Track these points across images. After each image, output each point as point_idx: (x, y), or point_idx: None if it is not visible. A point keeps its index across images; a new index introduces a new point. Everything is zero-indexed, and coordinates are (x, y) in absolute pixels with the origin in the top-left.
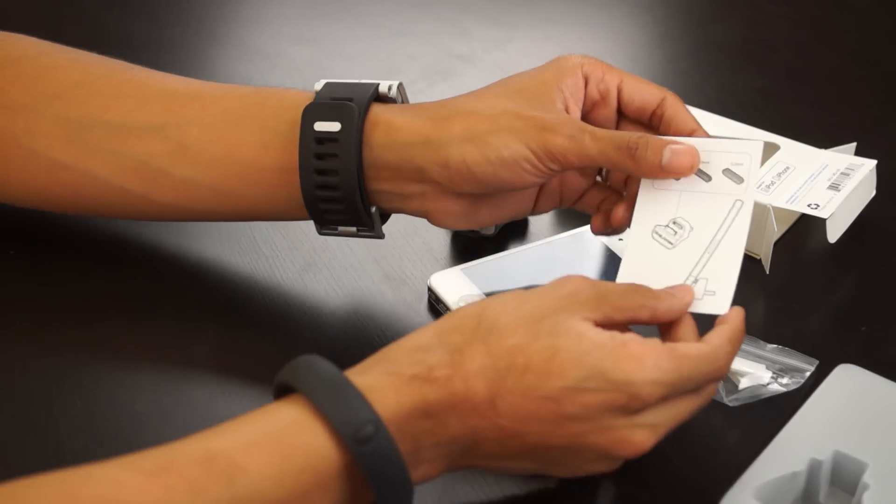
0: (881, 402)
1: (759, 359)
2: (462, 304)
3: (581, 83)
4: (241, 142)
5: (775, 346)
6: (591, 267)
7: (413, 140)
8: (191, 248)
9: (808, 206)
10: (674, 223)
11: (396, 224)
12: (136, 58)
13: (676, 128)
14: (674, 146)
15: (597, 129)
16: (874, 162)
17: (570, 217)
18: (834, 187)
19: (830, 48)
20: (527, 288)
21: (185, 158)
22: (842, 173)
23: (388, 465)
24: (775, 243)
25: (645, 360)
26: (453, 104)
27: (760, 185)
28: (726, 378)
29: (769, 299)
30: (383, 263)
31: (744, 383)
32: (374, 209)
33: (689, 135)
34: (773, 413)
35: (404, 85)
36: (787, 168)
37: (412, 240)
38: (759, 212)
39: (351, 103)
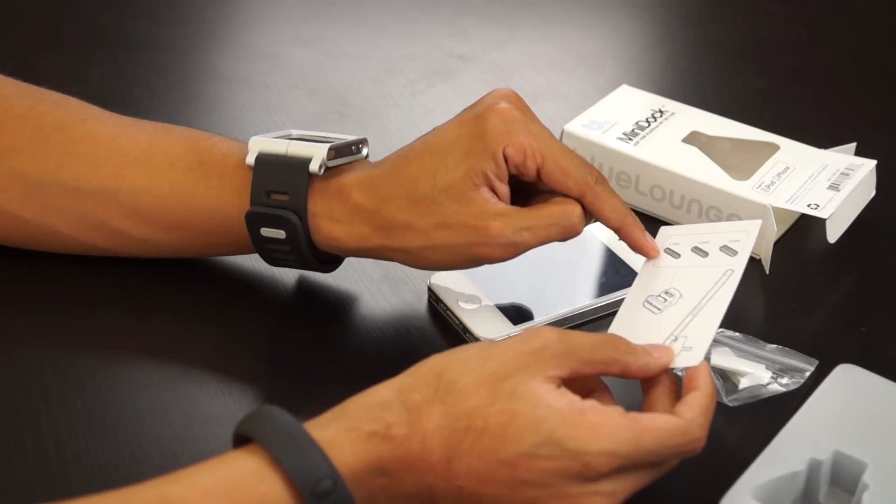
0: (881, 402)
1: (758, 359)
2: (461, 305)
3: (503, 164)
4: (192, 217)
5: (775, 346)
6: (590, 267)
7: (357, 245)
8: None
9: (808, 206)
10: (666, 293)
11: None
12: (136, 58)
13: (605, 223)
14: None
15: (532, 223)
16: (874, 162)
17: None
18: (834, 187)
19: (830, 48)
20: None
21: (142, 223)
22: (842, 173)
23: None
24: (775, 243)
25: (600, 430)
26: (387, 211)
27: (760, 185)
28: (726, 378)
29: (769, 299)
30: (383, 264)
31: (744, 383)
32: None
33: (618, 230)
34: (772, 413)
35: (402, 87)
36: (787, 168)
37: None
38: (760, 212)
39: (289, 215)
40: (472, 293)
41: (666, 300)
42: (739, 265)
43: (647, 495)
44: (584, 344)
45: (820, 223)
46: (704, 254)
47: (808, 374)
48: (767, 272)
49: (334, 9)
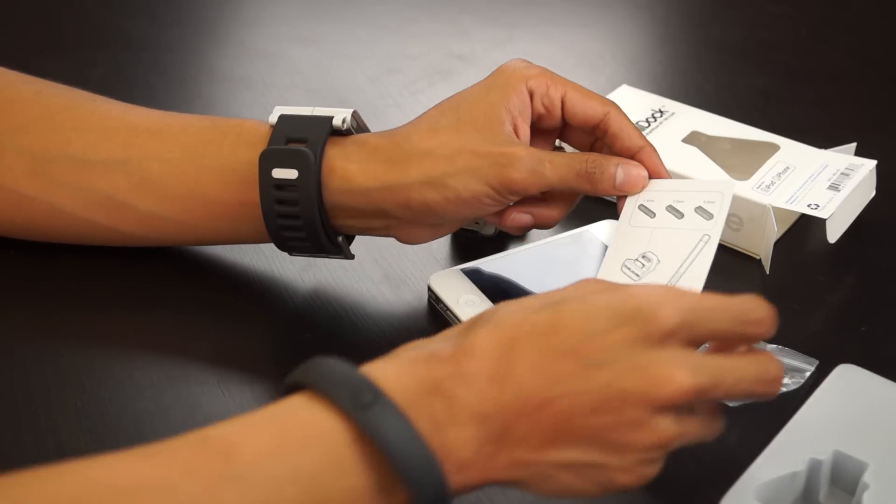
0: (881, 402)
1: None
2: (461, 305)
3: (527, 100)
4: (201, 179)
5: (776, 346)
6: (590, 267)
7: (371, 185)
8: (190, 250)
9: (808, 206)
10: (643, 256)
11: None
12: (136, 58)
13: (622, 145)
14: (625, 167)
15: (554, 157)
16: (874, 162)
17: (570, 217)
18: (834, 187)
19: (831, 48)
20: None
21: (148, 193)
22: (842, 173)
23: (396, 426)
24: (775, 243)
25: (653, 288)
26: (407, 143)
27: (760, 185)
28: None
29: (769, 299)
30: (383, 263)
31: None
32: (340, 238)
33: (637, 151)
34: (773, 413)
35: (402, 86)
36: (787, 168)
37: None
38: (760, 212)
39: (305, 149)
40: (471, 293)
41: (644, 265)
42: (716, 231)
43: (647, 495)
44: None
45: (820, 223)
46: (680, 214)
47: (808, 374)
48: (767, 272)
49: (334, 8)
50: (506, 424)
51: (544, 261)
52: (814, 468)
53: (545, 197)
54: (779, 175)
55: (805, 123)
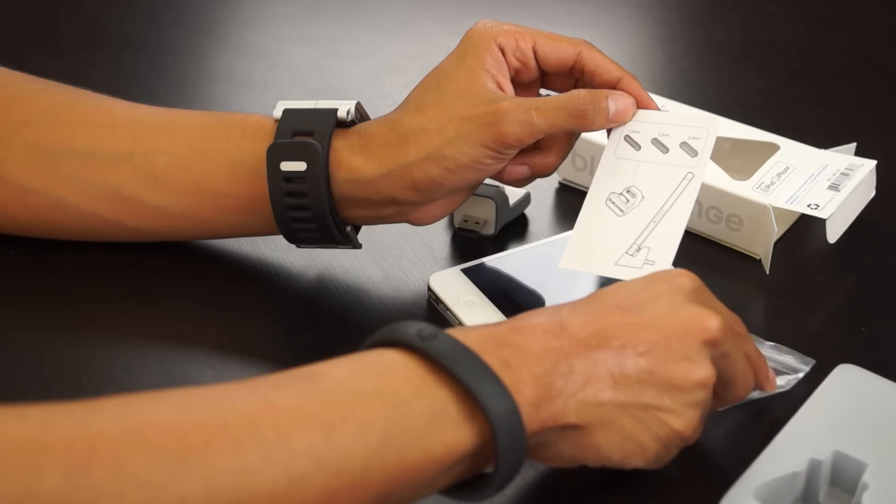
0: (881, 402)
1: None
2: (461, 305)
3: (500, 56)
4: (209, 174)
5: (772, 343)
6: None
7: (376, 174)
8: (190, 249)
9: (808, 206)
10: (627, 191)
11: (396, 224)
12: (136, 58)
13: (601, 80)
14: (614, 97)
15: (540, 104)
16: (874, 162)
17: (570, 217)
18: (834, 188)
19: (831, 48)
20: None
21: (155, 187)
22: (842, 174)
23: (462, 352)
24: (775, 243)
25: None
26: (400, 126)
27: (760, 185)
28: None
29: (769, 299)
30: (383, 263)
31: None
32: (349, 228)
33: (616, 82)
34: (772, 413)
35: (402, 86)
36: (787, 168)
37: (412, 240)
38: (760, 212)
39: (313, 141)
40: (471, 293)
41: (628, 200)
42: (700, 169)
43: (647, 495)
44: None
45: (820, 223)
46: (665, 149)
47: (802, 373)
48: (767, 272)
49: (334, 8)
50: (570, 367)
51: (544, 260)
52: (814, 468)
53: (540, 145)
54: (779, 175)
55: (805, 123)
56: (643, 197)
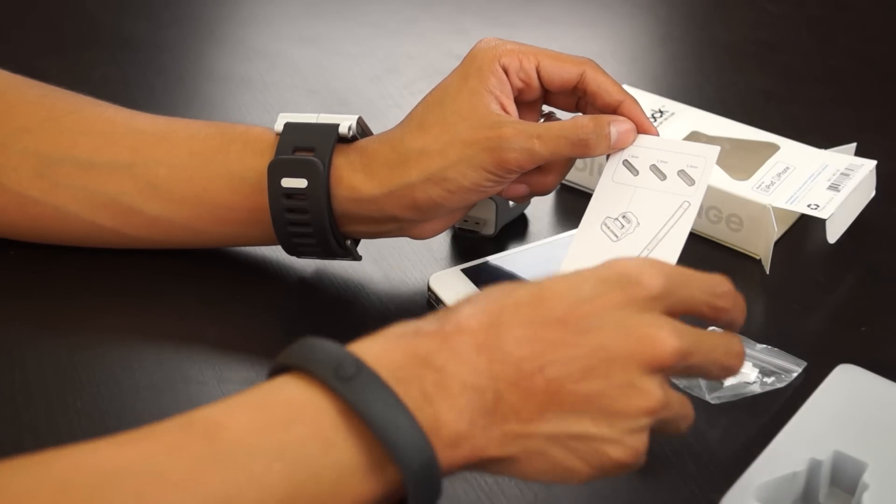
0: (881, 402)
1: (747, 358)
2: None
3: (504, 77)
4: (210, 185)
5: (765, 346)
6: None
7: (376, 193)
8: (190, 249)
9: (808, 206)
10: (623, 217)
11: None
12: (135, 57)
13: (602, 101)
14: (616, 125)
15: (543, 131)
16: (874, 162)
17: (570, 217)
18: (834, 188)
19: (831, 48)
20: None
21: (155, 197)
22: (842, 174)
23: (380, 397)
24: (775, 243)
25: (634, 259)
26: (401, 145)
27: (760, 185)
28: None
29: (769, 299)
30: (383, 263)
31: (728, 381)
32: (349, 242)
33: (617, 106)
34: (772, 413)
35: (402, 86)
36: (787, 168)
37: (411, 240)
38: (760, 212)
39: (314, 159)
40: (471, 292)
41: (623, 226)
42: (696, 198)
43: (646, 495)
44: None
45: (820, 223)
46: (663, 176)
47: (794, 374)
48: (767, 272)
49: (333, 8)
50: (497, 395)
51: (544, 261)
52: (814, 468)
53: (540, 165)
54: (779, 175)
55: (805, 123)
56: (638, 223)
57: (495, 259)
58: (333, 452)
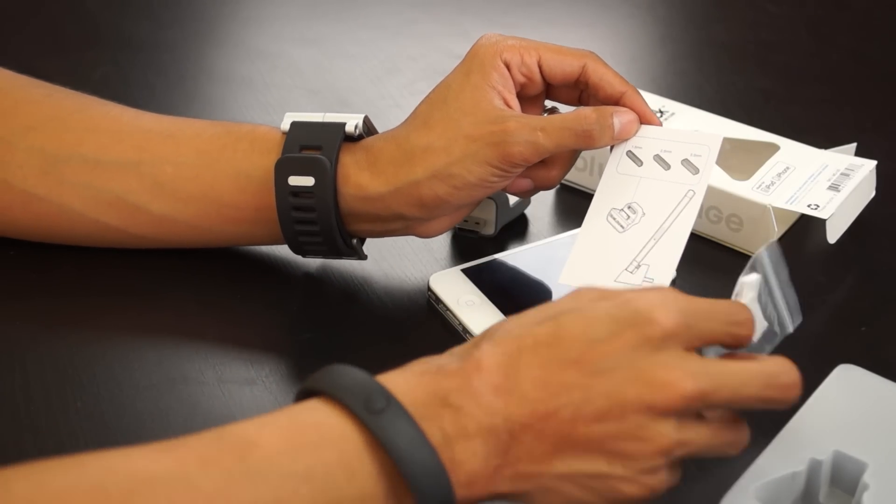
0: (881, 402)
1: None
2: (461, 305)
3: (506, 72)
4: (216, 184)
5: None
6: None
7: (383, 191)
8: (191, 249)
9: (808, 206)
10: (628, 207)
11: None
12: (135, 58)
13: (605, 93)
14: (619, 115)
15: (546, 124)
16: (874, 162)
17: (570, 217)
18: (834, 188)
19: (831, 49)
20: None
21: (161, 195)
22: (842, 174)
23: (406, 431)
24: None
25: (648, 292)
26: (407, 142)
27: (760, 186)
28: None
29: None
30: (383, 263)
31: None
32: (355, 241)
33: (620, 97)
34: (772, 413)
35: (402, 86)
36: (787, 168)
37: (412, 240)
38: (760, 212)
39: (321, 157)
40: (471, 293)
41: (629, 217)
42: (701, 187)
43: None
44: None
45: (820, 223)
46: (667, 165)
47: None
48: None
49: (334, 9)
50: (512, 436)
51: (544, 261)
52: (814, 468)
53: (544, 160)
54: (779, 175)
55: (805, 124)
56: (644, 213)
57: (495, 259)
58: (357, 480)
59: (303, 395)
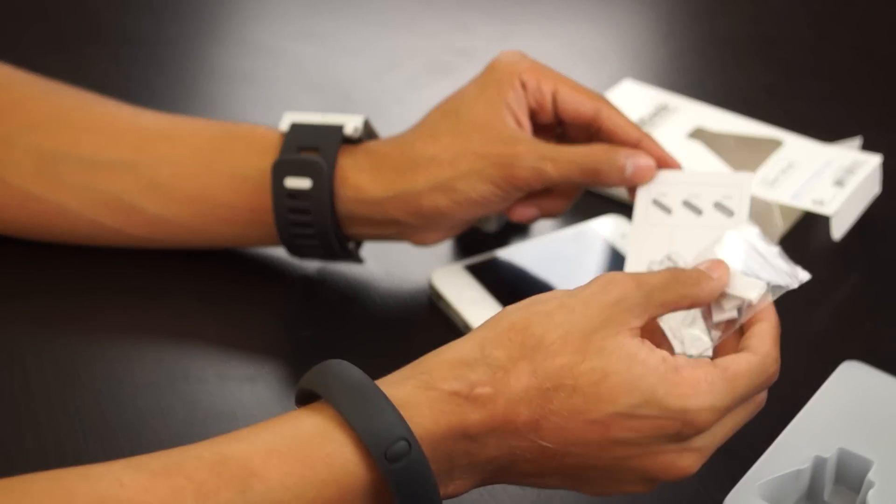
0: (886, 399)
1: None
2: (463, 302)
3: (521, 93)
4: (212, 184)
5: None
6: (593, 263)
7: (382, 196)
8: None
9: (813, 202)
10: (668, 258)
11: None
12: (136, 54)
13: (619, 140)
14: (634, 158)
15: (556, 154)
16: (879, 158)
17: (573, 213)
18: (839, 183)
19: (835, 44)
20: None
21: (157, 196)
22: (847, 169)
23: (420, 485)
24: (780, 240)
25: (700, 387)
26: (412, 150)
27: (765, 181)
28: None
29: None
30: (384, 260)
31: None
32: (351, 245)
33: (635, 144)
34: (777, 410)
35: (404, 82)
36: (792, 164)
37: None
38: (764, 208)
39: (319, 159)
40: (474, 290)
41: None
42: (740, 229)
43: (650, 494)
44: (657, 286)
45: (824, 219)
46: (698, 211)
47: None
48: None
49: (336, 4)
50: (515, 463)
51: (547, 257)
52: (818, 466)
53: (550, 188)
54: (783, 171)
55: (809, 119)
56: (686, 262)
57: (497, 255)
58: None
59: (307, 396)
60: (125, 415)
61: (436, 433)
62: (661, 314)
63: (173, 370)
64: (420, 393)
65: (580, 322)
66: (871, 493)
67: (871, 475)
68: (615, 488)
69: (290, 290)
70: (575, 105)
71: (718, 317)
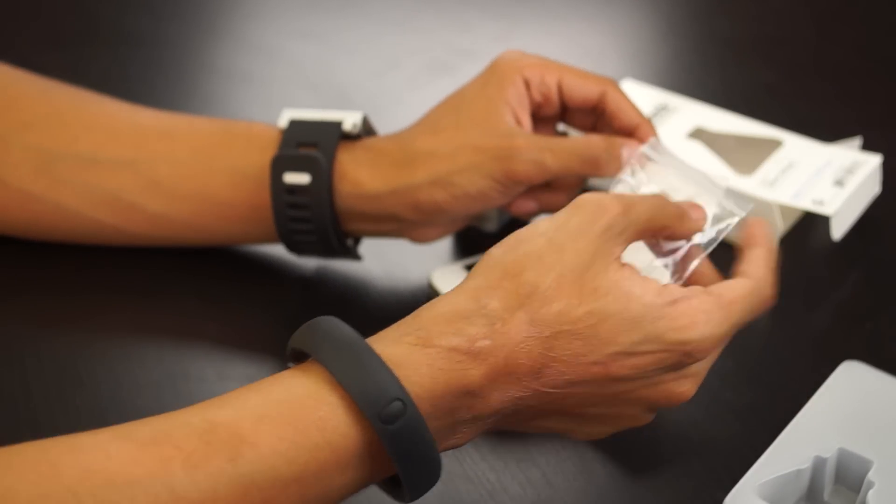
0: (886, 399)
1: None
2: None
3: (524, 90)
4: (211, 182)
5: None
6: None
7: (380, 191)
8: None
9: (813, 202)
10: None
11: None
12: (135, 53)
13: (620, 123)
14: (629, 148)
15: (555, 145)
16: (879, 158)
17: None
18: (839, 183)
19: (836, 43)
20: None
21: (157, 194)
22: (847, 169)
23: (417, 444)
24: (780, 240)
25: (697, 317)
26: (411, 146)
27: (765, 181)
28: None
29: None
30: (383, 259)
31: None
32: (350, 241)
33: (634, 129)
34: (777, 410)
35: (404, 81)
36: (792, 164)
37: None
38: (764, 208)
39: (318, 154)
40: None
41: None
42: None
43: (651, 493)
44: (642, 212)
45: (825, 219)
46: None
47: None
48: None
49: (335, 2)
50: (517, 411)
51: None
52: (818, 466)
53: (550, 183)
54: (783, 171)
55: (810, 119)
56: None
57: None
58: (348, 472)
59: (298, 354)
60: (125, 414)
61: (435, 391)
62: (639, 240)
63: (173, 369)
64: (417, 351)
65: (571, 261)
66: (871, 493)
67: (871, 475)
68: (614, 424)
69: (291, 288)
70: (581, 91)
71: (668, 246)
